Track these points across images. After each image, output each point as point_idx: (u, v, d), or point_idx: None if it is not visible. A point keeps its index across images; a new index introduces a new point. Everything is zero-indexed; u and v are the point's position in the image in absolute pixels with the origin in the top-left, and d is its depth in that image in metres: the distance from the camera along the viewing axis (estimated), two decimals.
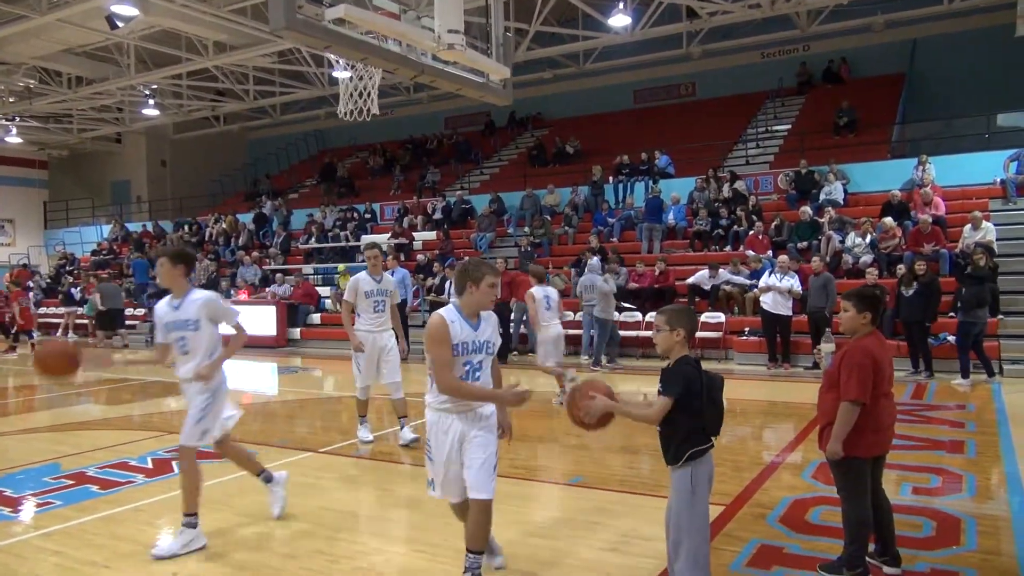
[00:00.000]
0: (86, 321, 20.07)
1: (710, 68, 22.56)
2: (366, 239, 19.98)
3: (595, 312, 12.47)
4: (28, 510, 5.50)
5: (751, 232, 14.65)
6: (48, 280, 24.16)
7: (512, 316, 14.11)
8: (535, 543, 4.58)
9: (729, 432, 8.13)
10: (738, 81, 22.15)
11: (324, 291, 18.38)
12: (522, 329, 14.28)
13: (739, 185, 16.63)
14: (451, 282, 12.23)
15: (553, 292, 9.36)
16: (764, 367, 12.02)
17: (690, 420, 3.38)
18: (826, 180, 15.58)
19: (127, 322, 20.44)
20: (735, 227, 15.29)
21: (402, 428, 7.19)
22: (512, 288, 13.89)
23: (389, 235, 19.31)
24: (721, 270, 13.72)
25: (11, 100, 23.02)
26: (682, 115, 22.48)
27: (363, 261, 19.02)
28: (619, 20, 16.73)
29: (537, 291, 9.07)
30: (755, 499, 5.33)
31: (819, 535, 4.54)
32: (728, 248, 15.06)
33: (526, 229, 17.96)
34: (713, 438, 3.48)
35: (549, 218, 18.08)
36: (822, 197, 15.32)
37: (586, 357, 13.47)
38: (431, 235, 19.07)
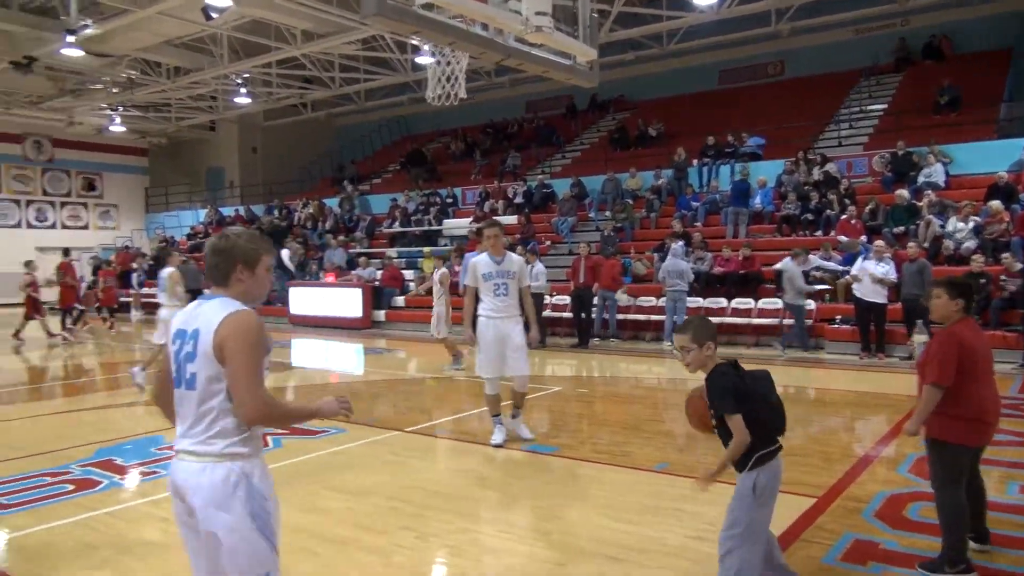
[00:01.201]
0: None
1: (800, 46, 21.75)
2: (448, 223, 20.27)
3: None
4: (136, 478, 5.82)
5: (843, 216, 14.09)
6: (151, 262, 25.41)
7: (595, 301, 14.02)
8: (621, 528, 4.56)
9: (819, 423, 7.90)
10: (830, 59, 21.26)
11: (408, 274, 18.72)
12: (604, 315, 14.19)
13: (830, 167, 16.00)
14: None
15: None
16: (856, 356, 11.59)
17: (752, 425, 3.25)
18: (925, 162, 14.83)
19: None
20: (826, 211, 14.75)
21: (516, 417, 6.73)
22: (595, 272, 13.81)
23: (471, 219, 19.48)
24: (811, 256, 13.28)
25: (115, 91, 24.24)
26: (770, 95, 21.75)
27: (446, 245, 19.50)
28: None
29: (438, 273, 11.38)
30: (848, 492, 5.17)
31: (918, 532, 4.36)
32: (819, 233, 14.55)
33: (607, 213, 17.81)
34: (779, 438, 3.38)
35: (631, 202, 17.87)
36: (921, 179, 14.59)
37: (668, 343, 13.30)
38: (512, 219, 19.11)
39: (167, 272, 9.85)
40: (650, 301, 14.34)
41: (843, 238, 13.56)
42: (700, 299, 13.70)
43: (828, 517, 4.68)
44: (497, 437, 6.56)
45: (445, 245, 19.45)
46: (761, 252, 14.33)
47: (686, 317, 3.78)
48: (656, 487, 5.41)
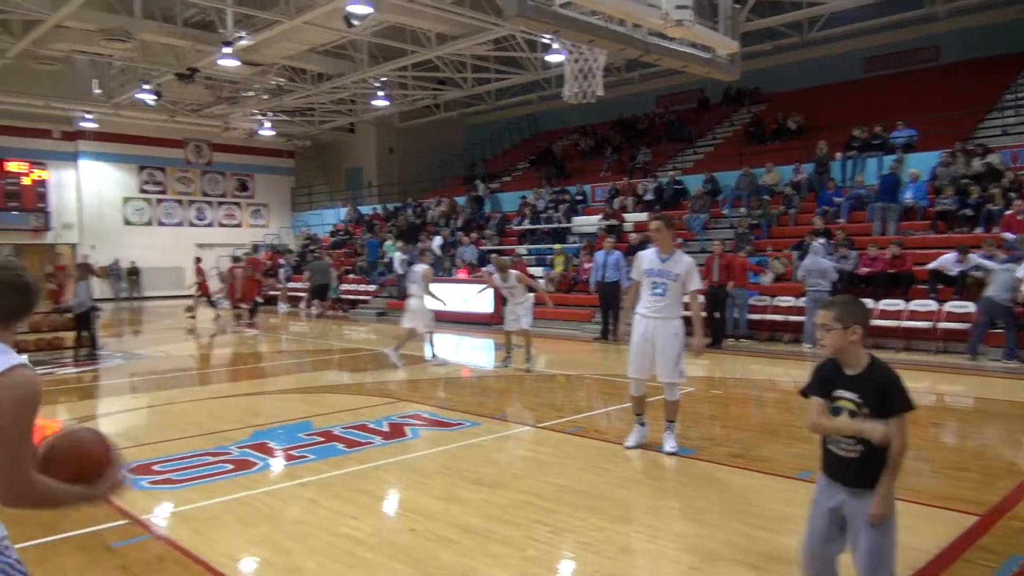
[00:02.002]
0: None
1: (958, 28, 20.14)
2: (577, 220, 20.29)
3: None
4: (287, 461, 6.20)
5: (1008, 211, 12.97)
6: (297, 258, 26.98)
7: (727, 300, 13.62)
8: (760, 536, 4.42)
9: (979, 435, 7.35)
10: (993, 41, 19.56)
11: (537, 271, 18.88)
12: (735, 313, 13.76)
13: (993, 159, 14.77)
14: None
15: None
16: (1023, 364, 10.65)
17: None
18: None
19: (360, 298, 22.42)
20: (987, 206, 13.63)
21: (667, 430, 6.31)
22: (730, 271, 13.42)
23: (600, 217, 19.40)
24: (971, 254, 12.29)
25: (265, 97, 25.88)
26: (922, 83, 20.30)
27: (575, 242, 19.53)
28: None
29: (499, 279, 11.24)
30: (1015, 512, 4.77)
31: None
32: (979, 230, 13.46)
33: (742, 210, 17.24)
34: None
35: (768, 198, 17.21)
36: None
37: (807, 345, 12.74)
38: (642, 216, 18.88)
39: (421, 269, 11.25)
40: (788, 301, 13.77)
41: (1008, 235, 12.48)
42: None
43: (992, 537, 4.34)
44: (630, 439, 6.41)
45: (574, 242, 19.47)
46: (913, 250, 13.43)
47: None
48: (797, 495, 5.18)
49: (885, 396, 2.87)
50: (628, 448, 6.36)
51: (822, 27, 19.14)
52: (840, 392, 2.97)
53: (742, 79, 22.41)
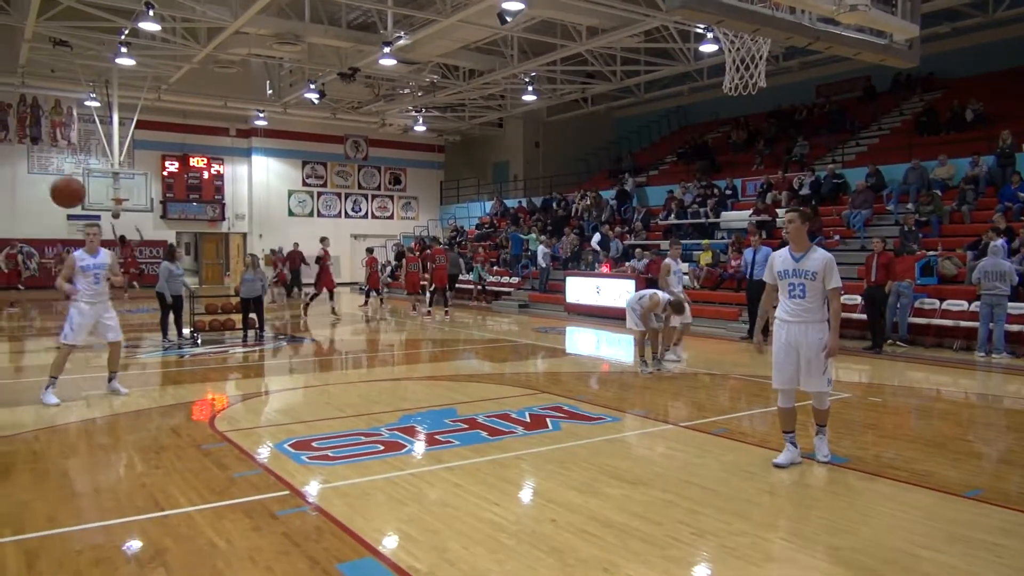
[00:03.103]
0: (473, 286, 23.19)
1: None
2: (726, 216, 19.65)
3: None
4: (434, 445, 6.43)
5: None
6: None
7: (888, 300, 12.76)
8: (923, 555, 4.12)
9: None
10: None
11: (683, 267, 18.44)
12: (894, 316, 12.85)
13: None
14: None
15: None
16: None
17: None
18: None
19: (503, 290, 22.85)
20: None
21: (817, 435, 5.98)
22: (888, 270, 12.56)
23: (751, 212, 18.70)
24: None
25: (419, 94, 26.87)
26: None
27: (723, 238, 18.94)
28: None
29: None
30: None
31: None
32: None
33: (909, 206, 16.04)
34: None
35: (939, 193, 15.92)
36: None
37: (981, 354, 11.72)
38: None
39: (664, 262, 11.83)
40: (959, 305, 12.71)
41: None
42: None
43: None
44: (781, 457, 5.85)
45: (722, 238, 18.89)
46: None
47: None
48: (966, 515, 4.80)
49: None
50: (776, 466, 5.84)
51: (1012, 5, 17.44)
52: None
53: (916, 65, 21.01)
